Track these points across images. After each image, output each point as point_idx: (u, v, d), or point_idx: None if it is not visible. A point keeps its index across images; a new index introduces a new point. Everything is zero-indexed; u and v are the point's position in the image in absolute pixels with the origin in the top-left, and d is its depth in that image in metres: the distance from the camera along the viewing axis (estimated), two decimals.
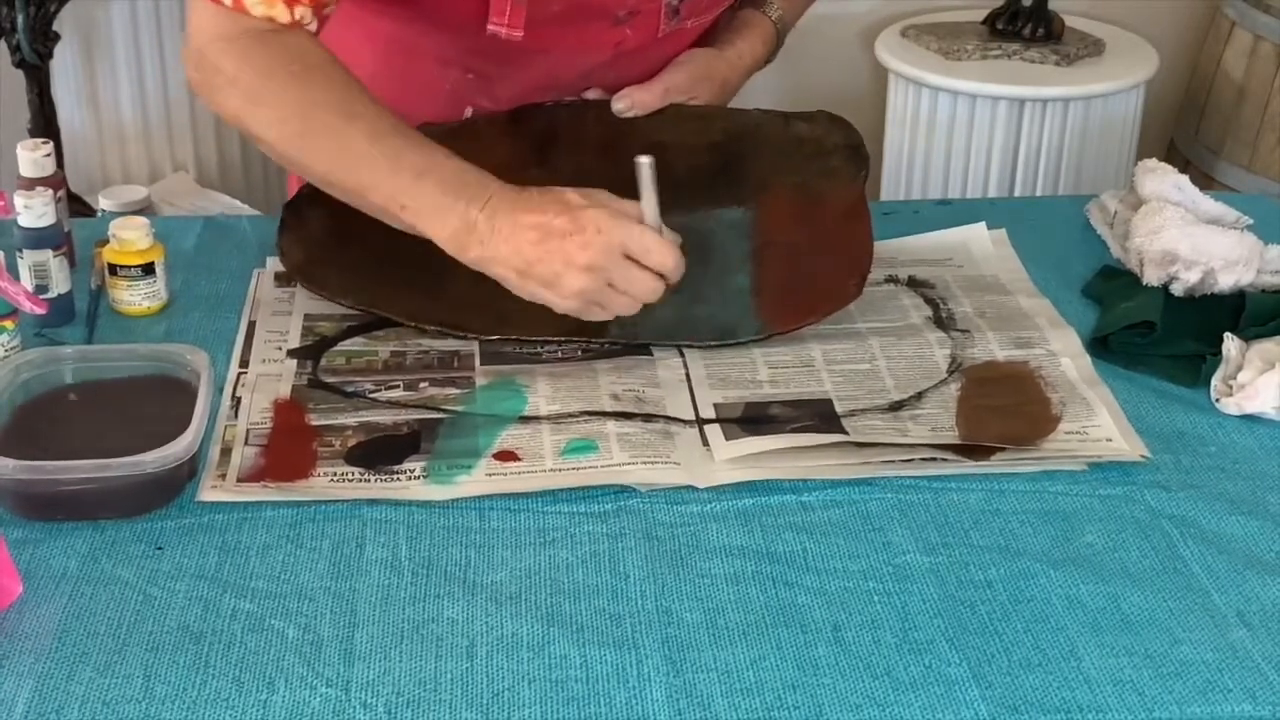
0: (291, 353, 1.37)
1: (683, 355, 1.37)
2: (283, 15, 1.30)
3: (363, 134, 1.28)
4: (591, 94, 1.53)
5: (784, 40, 1.63)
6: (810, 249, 1.41)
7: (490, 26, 1.40)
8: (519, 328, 1.37)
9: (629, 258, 1.26)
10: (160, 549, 1.13)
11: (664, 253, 1.26)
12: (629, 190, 1.39)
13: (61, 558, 1.12)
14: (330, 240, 1.43)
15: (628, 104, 1.50)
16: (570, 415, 1.28)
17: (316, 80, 1.30)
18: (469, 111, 1.54)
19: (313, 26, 1.33)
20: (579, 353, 1.37)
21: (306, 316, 1.43)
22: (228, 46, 1.31)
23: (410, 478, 1.21)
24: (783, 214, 1.42)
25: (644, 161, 1.27)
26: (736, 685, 1.01)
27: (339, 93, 1.30)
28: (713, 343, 1.37)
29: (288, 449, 1.24)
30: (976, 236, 1.58)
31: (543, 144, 1.50)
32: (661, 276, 1.27)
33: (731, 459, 1.23)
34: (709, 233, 1.40)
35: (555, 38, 1.45)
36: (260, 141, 1.33)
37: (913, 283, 1.49)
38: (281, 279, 1.48)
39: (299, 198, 1.47)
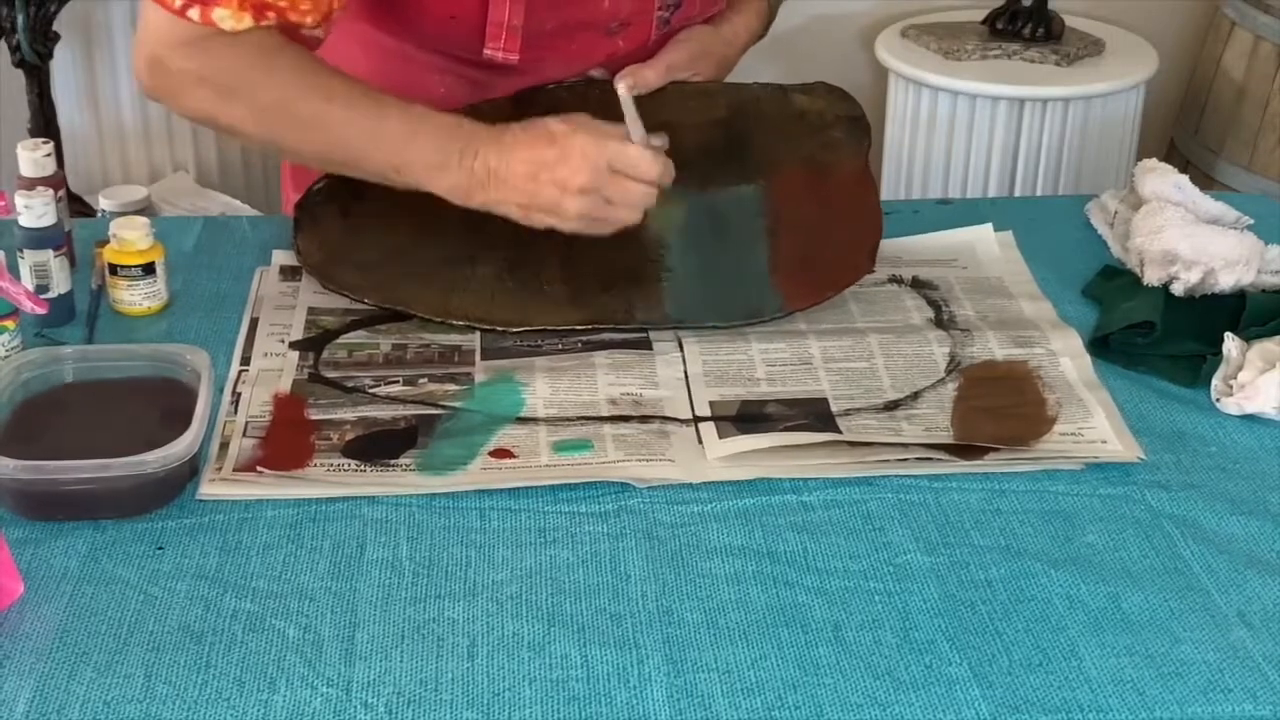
0: (293, 345, 1.37)
1: (682, 350, 1.37)
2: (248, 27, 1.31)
3: (343, 111, 1.33)
4: (595, 73, 1.55)
5: (776, 13, 1.65)
6: (821, 223, 1.43)
7: (487, 51, 1.43)
8: (543, 316, 1.38)
9: (618, 172, 1.32)
10: (161, 549, 1.13)
11: (649, 163, 1.33)
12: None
13: (62, 557, 1.12)
14: (347, 238, 1.43)
15: (630, 83, 1.51)
16: (567, 419, 1.28)
17: (285, 66, 1.33)
18: None
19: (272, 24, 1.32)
20: (579, 345, 1.37)
21: (310, 310, 1.43)
22: (191, 49, 1.31)
23: (406, 469, 1.21)
24: (793, 189, 1.44)
25: (621, 89, 1.35)
26: (737, 685, 1.01)
27: (309, 77, 1.34)
28: (737, 323, 1.39)
29: (285, 441, 1.24)
30: (982, 238, 1.57)
31: None
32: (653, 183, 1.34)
33: (724, 457, 1.23)
34: (723, 211, 1.42)
35: (549, 52, 1.47)
36: (238, 135, 1.37)
37: (916, 283, 1.49)
38: (286, 273, 1.49)
39: (310, 197, 1.47)
